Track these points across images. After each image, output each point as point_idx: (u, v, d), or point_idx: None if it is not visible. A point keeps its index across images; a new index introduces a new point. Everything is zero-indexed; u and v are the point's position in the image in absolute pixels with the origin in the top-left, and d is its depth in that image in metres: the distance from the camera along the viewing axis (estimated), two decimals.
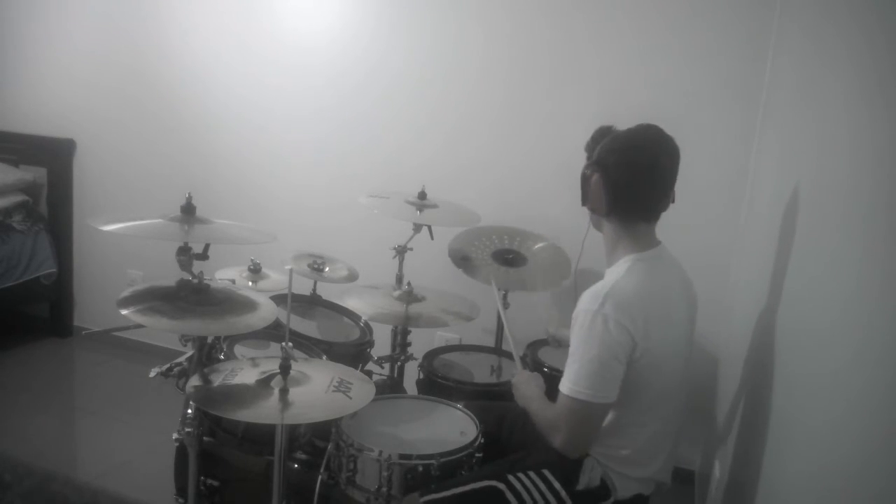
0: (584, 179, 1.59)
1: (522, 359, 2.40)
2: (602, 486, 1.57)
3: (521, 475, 1.58)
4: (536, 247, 2.65)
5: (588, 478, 1.56)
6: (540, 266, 2.58)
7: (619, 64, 2.74)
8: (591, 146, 1.64)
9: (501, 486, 1.56)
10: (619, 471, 1.59)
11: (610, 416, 1.56)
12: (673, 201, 1.63)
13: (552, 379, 2.12)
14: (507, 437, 1.84)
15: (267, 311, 1.76)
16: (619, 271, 1.56)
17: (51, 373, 3.49)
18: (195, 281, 1.73)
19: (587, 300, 1.50)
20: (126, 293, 1.69)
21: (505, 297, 2.54)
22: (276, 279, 2.40)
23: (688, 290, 1.68)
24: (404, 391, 2.42)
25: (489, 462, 1.71)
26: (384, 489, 1.64)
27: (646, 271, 1.55)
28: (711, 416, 2.55)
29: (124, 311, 1.60)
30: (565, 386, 1.51)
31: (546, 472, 1.58)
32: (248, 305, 1.76)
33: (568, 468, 1.58)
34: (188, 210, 1.80)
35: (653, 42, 2.69)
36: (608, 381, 1.48)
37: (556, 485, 1.56)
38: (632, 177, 1.54)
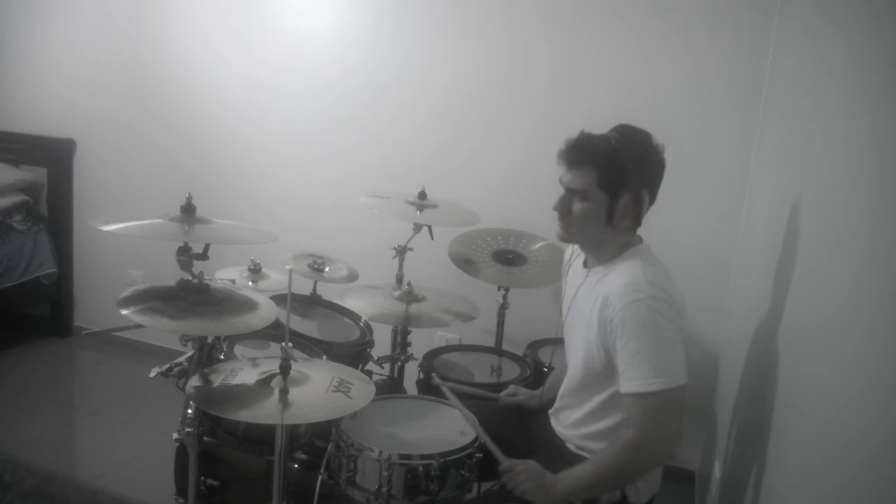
0: (623, 201, 1.48)
1: (522, 358, 2.41)
2: (622, 498, 1.55)
3: None
4: (536, 246, 2.66)
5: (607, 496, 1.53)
6: (540, 264, 2.60)
7: (619, 64, 2.74)
8: (569, 156, 1.50)
9: None
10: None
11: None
12: None
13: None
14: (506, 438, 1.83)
15: (267, 311, 1.76)
16: (636, 262, 1.49)
17: (51, 373, 3.49)
18: (195, 281, 1.72)
19: (625, 295, 1.39)
20: (126, 293, 1.69)
21: (506, 295, 2.57)
22: (276, 279, 2.40)
23: None
24: (404, 391, 2.42)
25: (496, 484, 1.64)
26: (384, 489, 1.64)
27: (654, 257, 1.57)
28: (711, 416, 2.55)
29: (124, 311, 1.60)
30: (647, 385, 1.34)
31: None
32: (248, 305, 1.76)
33: None
34: (188, 210, 1.80)
35: (653, 42, 2.69)
36: (683, 361, 1.38)
37: None
38: (661, 172, 1.55)
